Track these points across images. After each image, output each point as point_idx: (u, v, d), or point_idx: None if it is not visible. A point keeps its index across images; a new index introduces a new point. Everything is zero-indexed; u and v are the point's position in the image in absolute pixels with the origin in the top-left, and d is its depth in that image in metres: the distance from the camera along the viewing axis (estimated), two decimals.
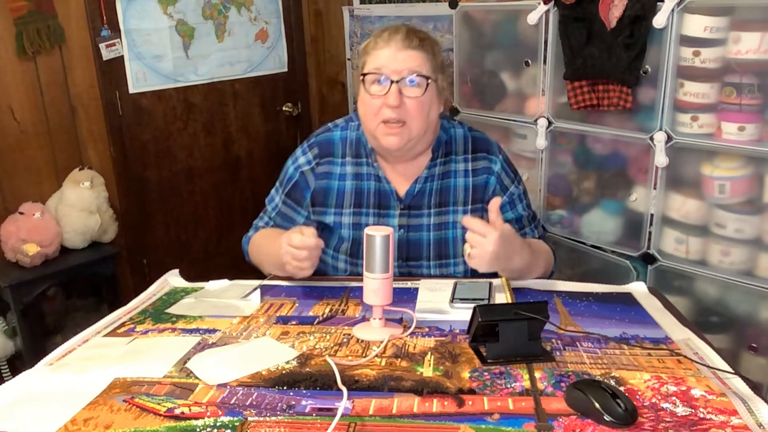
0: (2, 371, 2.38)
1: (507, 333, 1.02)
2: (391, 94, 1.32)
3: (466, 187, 1.46)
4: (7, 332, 2.38)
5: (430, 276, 1.44)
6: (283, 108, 3.19)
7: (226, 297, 1.33)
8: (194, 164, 2.94)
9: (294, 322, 1.19)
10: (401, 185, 1.46)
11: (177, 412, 0.90)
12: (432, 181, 1.45)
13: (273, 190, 1.56)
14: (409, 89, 1.33)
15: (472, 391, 0.93)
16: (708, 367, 0.99)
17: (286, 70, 3.16)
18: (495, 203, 1.25)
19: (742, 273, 1.78)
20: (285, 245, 1.28)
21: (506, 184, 1.47)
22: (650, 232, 1.94)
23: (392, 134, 1.35)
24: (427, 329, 1.14)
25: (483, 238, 1.20)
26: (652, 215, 1.93)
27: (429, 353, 1.05)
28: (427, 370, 1.00)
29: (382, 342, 1.08)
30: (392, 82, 1.32)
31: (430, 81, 1.34)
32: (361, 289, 1.16)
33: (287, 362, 1.04)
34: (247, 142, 3.10)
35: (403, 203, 1.45)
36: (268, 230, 1.53)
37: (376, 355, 1.05)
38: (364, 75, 1.36)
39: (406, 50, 1.33)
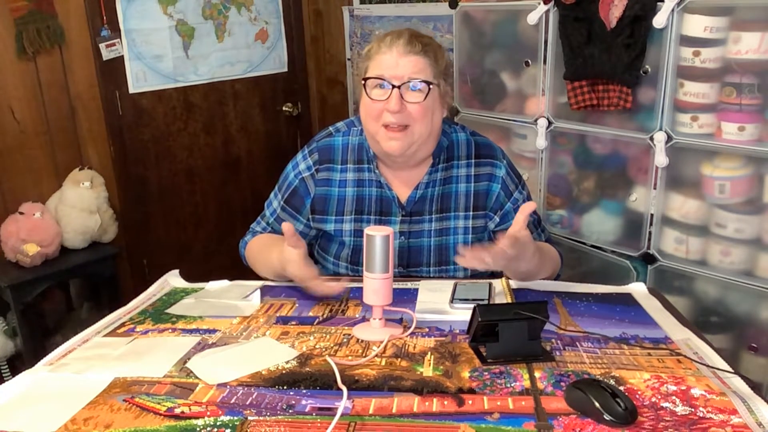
0: (2, 371, 2.38)
1: (507, 333, 1.02)
2: (392, 99, 1.30)
3: (467, 193, 1.44)
4: (7, 332, 2.38)
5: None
6: (283, 108, 3.19)
7: (226, 297, 1.33)
8: (194, 164, 2.94)
9: (294, 323, 1.19)
10: (403, 191, 1.44)
11: (177, 411, 0.90)
12: (433, 187, 1.44)
13: (272, 195, 1.54)
14: (410, 94, 1.32)
15: (472, 391, 0.93)
16: (708, 366, 0.99)
17: (286, 70, 3.16)
18: (529, 207, 1.22)
19: (742, 273, 1.78)
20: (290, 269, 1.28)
21: (510, 189, 1.45)
22: (650, 232, 1.94)
23: (394, 138, 1.34)
24: (427, 329, 1.14)
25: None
26: (652, 215, 1.93)
27: (429, 353, 1.05)
28: (427, 370, 1.00)
29: (382, 342, 1.08)
30: (393, 87, 1.31)
31: (432, 86, 1.32)
32: (361, 289, 1.16)
33: (287, 362, 1.04)
34: (247, 142, 3.10)
35: (404, 210, 1.44)
36: (264, 236, 1.52)
37: (376, 355, 1.05)
38: (365, 79, 1.35)
39: (408, 55, 1.31)
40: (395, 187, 1.44)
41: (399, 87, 1.31)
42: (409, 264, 1.45)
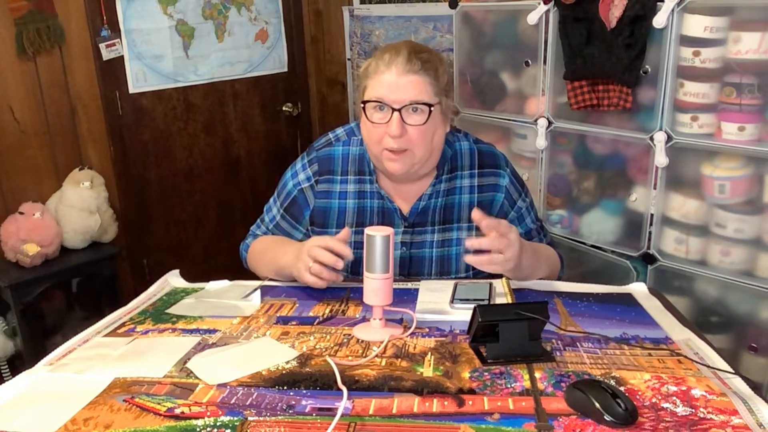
0: (2, 371, 2.38)
1: (507, 333, 1.02)
2: (392, 123, 1.28)
3: (471, 203, 1.42)
4: (7, 332, 2.38)
5: None
6: (283, 108, 3.19)
7: (226, 297, 1.33)
8: (194, 164, 2.94)
9: (294, 323, 1.19)
10: (405, 203, 1.43)
11: (177, 411, 0.90)
12: (437, 198, 1.42)
13: (271, 200, 1.52)
14: (411, 116, 1.29)
15: (472, 391, 0.93)
16: (708, 367, 0.99)
17: (286, 70, 3.16)
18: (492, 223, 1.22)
19: (742, 273, 1.78)
20: (314, 249, 1.22)
21: (514, 198, 1.45)
22: (650, 232, 1.94)
23: (395, 161, 1.32)
24: (427, 329, 1.14)
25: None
26: (652, 215, 1.93)
27: (429, 353, 1.05)
28: (427, 370, 1.00)
29: (382, 342, 1.08)
30: (393, 110, 1.28)
31: (433, 108, 1.30)
32: (361, 289, 1.16)
33: (287, 362, 1.04)
34: (247, 142, 3.10)
35: (407, 221, 1.42)
36: (269, 237, 1.50)
37: (377, 356, 1.05)
38: (364, 102, 1.32)
39: (408, 75, 1.28)
40: (397, 200, 1.43)
41: (399, 110, 1.28)
42: (410, 274, 1.44)
